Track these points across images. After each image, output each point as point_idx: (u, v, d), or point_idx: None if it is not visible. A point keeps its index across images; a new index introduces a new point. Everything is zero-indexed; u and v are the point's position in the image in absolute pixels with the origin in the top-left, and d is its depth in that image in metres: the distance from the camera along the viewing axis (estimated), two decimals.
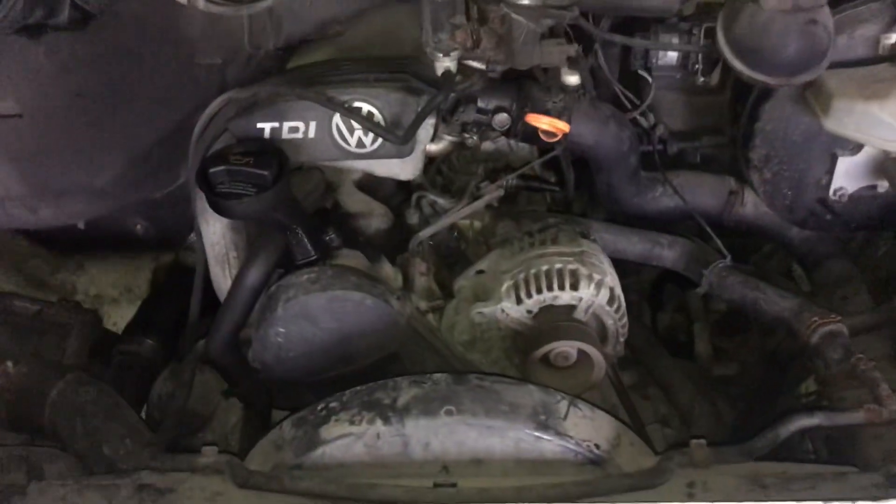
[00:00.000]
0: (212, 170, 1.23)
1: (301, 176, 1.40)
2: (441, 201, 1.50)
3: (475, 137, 1.44)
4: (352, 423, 1.14)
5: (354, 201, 1.48)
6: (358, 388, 1.19)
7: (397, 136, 1.28)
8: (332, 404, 1.18)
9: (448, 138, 1.47)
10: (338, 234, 1.38)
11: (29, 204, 1.36)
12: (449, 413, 1.13)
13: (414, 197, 1.51)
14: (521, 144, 1.60)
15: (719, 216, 1.56)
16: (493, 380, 1.18)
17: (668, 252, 1.55)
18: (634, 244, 1.54)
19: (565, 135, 1.37)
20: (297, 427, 1.18)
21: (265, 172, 1.22)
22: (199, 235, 1.43)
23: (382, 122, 1.31)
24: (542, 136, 1.36)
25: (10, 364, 1.36)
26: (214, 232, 1.41)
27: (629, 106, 1.49)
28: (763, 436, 1.17)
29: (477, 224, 1.56)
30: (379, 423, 1.13)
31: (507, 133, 1.41)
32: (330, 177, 1.48)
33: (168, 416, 1.40)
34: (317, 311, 1.29)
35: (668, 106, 1.57)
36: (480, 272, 1.43)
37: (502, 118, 1.38)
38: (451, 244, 1.53)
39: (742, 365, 1.76)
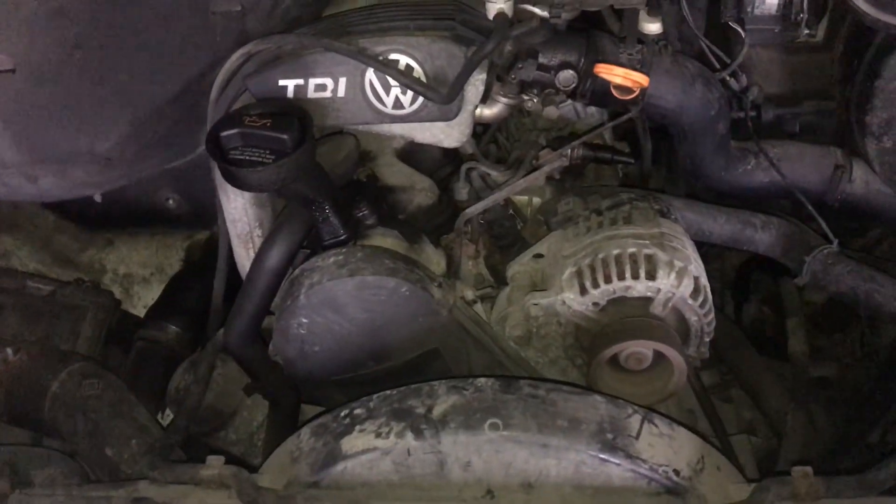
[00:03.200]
0: (223, 133, 1.07)
1: (332, 143, 1.25)
2: (494, 174, 1.32)
3: (536, 100, 1.27)
4: (378, 435, 0.96)
5: (394, 173, 1.32)
6: (388, 392, 1.00)
7: (440, 94, 1.10)
8: (357, 411, 1.00)
9: (504, 101, 1.29)
10: (372, 210, 1.22)
11: (27, 172, 1.21)
12: (494, 427, 0.94)
13: (463, 169, 1.33)
14: (591, 110, 1.44)
15: (822, 194, 1.36)
16: (548, 388, 0.98)
17: (761, 234, 1.35)
18: (722, 225, 1.35)
19: (643, 93, 1.16)
20: (317, 437, 1.01)
21: (284, 136, 1.05)
22: (221, 211, 1.29)
23: (423, 78, 1.13)
24: (615, 93, 1.15)
25: (9, 351, 1.25)
26: (235, 207, 1.26)
27: (717, 65, 1.29)
28: (886, 465, 0.94)
29: (536, 200, 1.38)
30: (410, 436, 0.95)
31: (574, 94, 1.24)
32: (367, 144, 1.32)
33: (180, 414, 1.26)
34: (344, 300, 1.12)
35: (763, 65, 1.39)
36: (538, 256, 1.25)
37: (567, 76, 1.20)
38: (505, 223, 1.34)
39: (841, 366, 1.56)
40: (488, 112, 1.29)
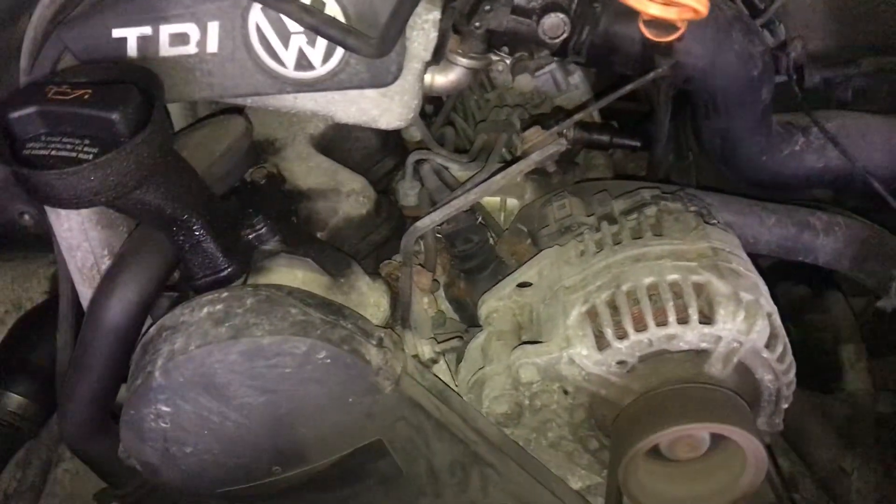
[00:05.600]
0: (14, 115, 0.72)
1: (208, 128, 0.92)
2: (454, 167, 1.06)
3: (507, 62, 1.03)
4: None
5: (309, 170, 1.02)
6: None
7: (369, 41, 0.77)
8: None
9: (464, 63, 1.02)
10: (273, 227, 0.89)
11: None
12: None
13: (410, 161, 1.07)
14: (575, 81, 1.20)
15: (891, 180, 1.13)
16: None
17: (823, 240, 1.10)
18: (770, 229, 1.09)
19: (676, 44, 0.82)
20: None
21: (112, 115, 0.71)
22: (53, 234, 0.94)
23: (342, 17, 0.81)
24: (648, 33, 0.82)
25: None
26: (70, 228, 0.91)
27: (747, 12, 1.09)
28: None
29: (512, 203, 1.08)
30: None
31: (564, 49, 0.96)
32: (266, 129, 1.03)
33: None
34: (226, 376, 0.75)
35: (805, 12, 1.21)
36: (525, 285, 0.93)
37: (556, 22, 0.93)
38: (473, 238, 1.05)
39: None
40: (442, 79, 1.01)
